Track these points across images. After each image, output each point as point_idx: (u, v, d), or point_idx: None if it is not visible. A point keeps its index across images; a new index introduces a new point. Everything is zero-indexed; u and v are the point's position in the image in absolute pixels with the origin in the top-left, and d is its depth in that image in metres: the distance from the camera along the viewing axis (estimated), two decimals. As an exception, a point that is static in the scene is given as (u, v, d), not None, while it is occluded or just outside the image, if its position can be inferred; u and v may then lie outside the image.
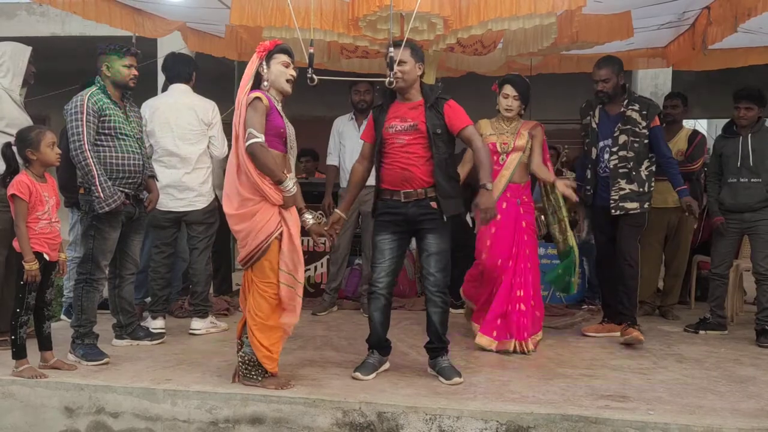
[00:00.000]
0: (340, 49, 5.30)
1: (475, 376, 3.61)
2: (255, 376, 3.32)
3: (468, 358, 3.98)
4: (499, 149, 4.22)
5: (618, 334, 4.44)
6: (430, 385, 3.43)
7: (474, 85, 5.97)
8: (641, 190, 4.33)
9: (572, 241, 4.31)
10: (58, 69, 7.59)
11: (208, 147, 4.55)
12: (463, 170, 4.14)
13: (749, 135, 4.57)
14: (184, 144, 4.47)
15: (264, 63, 3.37)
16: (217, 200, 4.66)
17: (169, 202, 4.27)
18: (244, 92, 3.31)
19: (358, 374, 3.51)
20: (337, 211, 3.71)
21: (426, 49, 4.72)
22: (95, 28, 6.35)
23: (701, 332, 4.67)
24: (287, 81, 3.39)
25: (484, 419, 3.04)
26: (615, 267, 4.48)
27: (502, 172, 4.21)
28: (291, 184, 3.28)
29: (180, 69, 4.63)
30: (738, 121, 4.64)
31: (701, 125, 11.36)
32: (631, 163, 4.31)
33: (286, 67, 3.38)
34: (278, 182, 3.24)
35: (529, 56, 5.51)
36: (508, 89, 4.21)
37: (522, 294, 4.15)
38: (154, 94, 5.52)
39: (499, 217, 4.02)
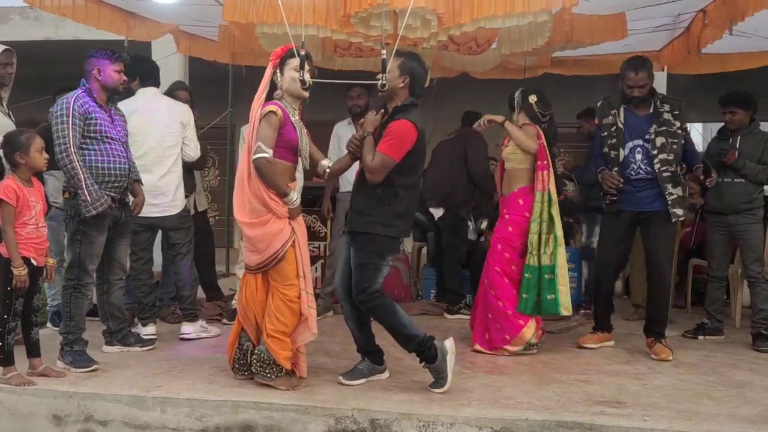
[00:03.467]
0: (333, 47, 5.27)
1: (469, 381, 3.58)
2: (269, 375, 3.36)
3: (463, 363, 3.93)
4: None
5: (609, 344, 4.40)
6: (424, 391, 3.38)
7: (468, 87, 5.96)
8: (684, 195, 4.19)
9: (556, 259, 4.13)
10: (51, 73, 7.55)
11: (181, 149, 4.52)
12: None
13: (739, 137, 4.61)
14: (163, 146, 4.44)
15: (278, 70, 3.39)
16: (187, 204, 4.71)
17: (143, 207, 4.20)
18: (258, 102, 3.37)
19: (341, 378, 3.47)
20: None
21: (418, 47, 4.70)
22: (88, 33, 6.32)
23: (700, 338, 4.64)
24: (302, 87, 3.38)
25: (478, 426, 3.01)
26: (615, 279, 4.47)
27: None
28: (295, 196, 3.36)
29: (154, 72, 4.64)
30: (727, 125, 4.69)
31: (696, 129, 11.37)
32: (674, 166, 4.11)
33: (299, 71, 3.37)
34: (283, 195, 3.31)
35: (524, 56, 5.48)
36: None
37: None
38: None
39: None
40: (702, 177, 4.28)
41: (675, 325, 5.05)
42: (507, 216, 4.27)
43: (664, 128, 4.14)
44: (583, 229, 5.87)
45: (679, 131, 4.16)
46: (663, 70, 6.44)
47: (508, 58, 5.57)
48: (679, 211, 4.12)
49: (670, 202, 4.09)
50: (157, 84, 4.64)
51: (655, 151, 4.13)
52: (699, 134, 11.76)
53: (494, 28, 4.55)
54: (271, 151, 3.28)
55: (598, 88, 7.88)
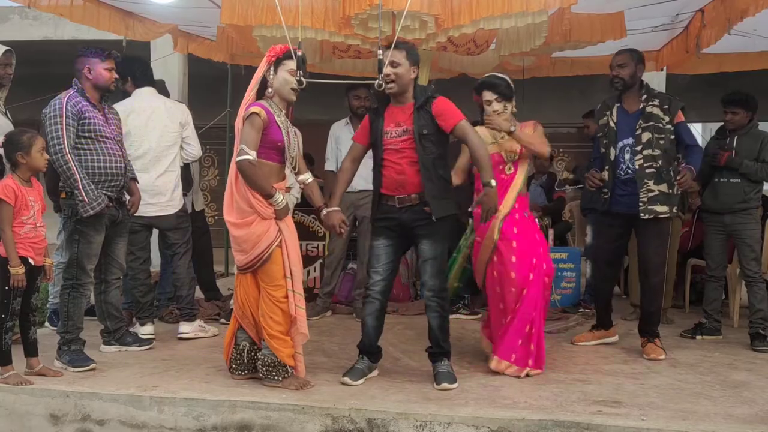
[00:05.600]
0: (332, 49, 5.27)
1: (467, 381, 3.57)
2: (275, 377, 3.38)
3: (460, 363, 3.92)
4: (505, 158, 3.86)
5: (610, 340, 4.42)
6: (421, 391, 3.38)
7: (467, 88, 5.96)
8: (671, 191, 4.03)
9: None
10: (50, 73, 7.56)
11: (181, 148, 4.53)
12: (462, 159, 3.94)
13: (736, 137, 4.63)
14: (161, 146, 4.44)
15: (272, 68, 3.40)
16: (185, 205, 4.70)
17: (140, 206, 4.19)
18: (247, 99, 3.39)
19: (346, 379, 3.47)
20: (333, 210, 3.53)
21: (417, 48, 4.69)
22: (88, 32, 6.32)
23: (698, 337, 4.64)
24: (292, 89, 3.42)
25: (475, 425, 3.01)
26: (614, 276, 4.44)
27: (513, 183, 3.84)
28: (280, 197, 3.35)
29: (147, 72, 4.64)
30: (726, 125, 4.70)
31: (695, 128, 11.36)
32: (660, 162, 4.01)
33: (293, 75, 3.41)
34: (267, 197, 3.31)
35: (522, 56, 5.49)
36: (487, 95, 3.88)
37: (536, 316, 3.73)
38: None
39: (516, 230, 3.76)
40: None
41: (673, 324, 5.06)
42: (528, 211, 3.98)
43: (651, 123, 4.07)
44: (588, 229, 5.88)
45: (668, 126, 4.08)
46: (662, 70, 6.45)
47: (507, 59, 5.58)
48: (660, 209, 4.01)
49: (646, 199, 4.02)
50: (151, 83, 4.64)
51: (639, 147, 4.06)
52: (699, 134, 11.76)
53: (492, 29, 4.56)
54: (254, 153, 3.29)
55: (597, 88, 7.89)
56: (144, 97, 4.54)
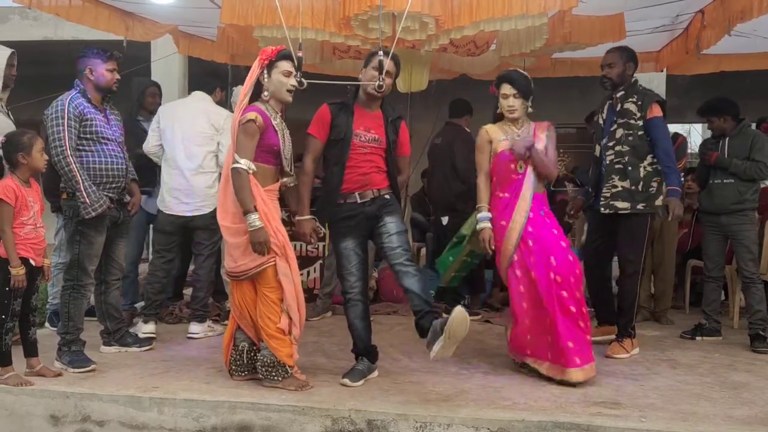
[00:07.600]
0: (332, 50, 5.27)
1: (467, 382, 3.58)
2: (275, 377, 3.38)
3: (460, 363, 3.93)
4: (516, 156, 3.71)
5: (610, 337, 4.35)
6: (421, 392, 3.39)
7: (467, 89, 5.96)
8: (634, 188, 4.01)
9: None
10: (50, 73, 7.56)
11: (217, 153, 4.56)
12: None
13: (727, 138, 4.65)
14: (191, 145, 4.49)
15: (265, 71, 3.38)
16: None
17: (175, 206, 4.20)
18: (241, 104, 3.36)
19: (346, 381, 3.47)
20: (305, 218, 3.53)
21: (418, 49, 4.71)
22: (88, 33, 6.31)
23: (698, 338, 4.64)
24: (288, 91, 3.42)
25: (474, 426, 3.01)
26: (602, 272, 4.41)
27: (526, 183, 3.69)
28: (257, 221, 3.22)
29: (206, 80, 4.79)
30: (713, 131, 4.78)
31: (696, 129, 11.36)
32: (627, 158, 4.03)
33: (287, 76, 3.41)
34: (245, 212, 3.24)
35: (522, 57, 5.49)
36: (506, 88, 3.73)
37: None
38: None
39: (531, 230, 3.63)
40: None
41: (673, 325, 5.07)
42: (546, 210, 3.80)
43: (624, 120, 4.12)
44: (585, 229, 5.88)
45: (638, 122, 4.07)
46: (662, 70, 6.45)
47: (508, 60, 5.58)
48: (620, 204, 4.03)
49: (609, 194, 4.06)
50: (209, 92, 4.72)
51: (612, 143, 4.13)
52: (699, 134, 11.75)
53: (493, 30, 4.57)
54: (244, 161, 3.26)
55: (597, 89, 7.87)
56: (189, 99, 4.78)
